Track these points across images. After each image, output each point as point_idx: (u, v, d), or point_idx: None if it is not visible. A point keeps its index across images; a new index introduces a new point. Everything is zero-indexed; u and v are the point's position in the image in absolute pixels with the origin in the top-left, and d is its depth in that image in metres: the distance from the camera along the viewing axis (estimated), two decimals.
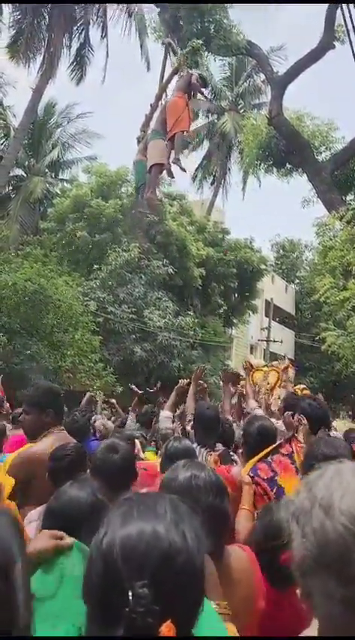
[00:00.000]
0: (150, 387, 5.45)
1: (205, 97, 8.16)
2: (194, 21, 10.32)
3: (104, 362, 15.00)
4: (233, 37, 10.23)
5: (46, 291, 13.18)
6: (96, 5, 19.12)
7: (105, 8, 19.43)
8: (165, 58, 7.66)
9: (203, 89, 7.74)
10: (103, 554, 0.76)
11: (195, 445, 3.15)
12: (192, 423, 3.68)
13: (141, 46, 20.28)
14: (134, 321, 16.89)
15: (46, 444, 2.54)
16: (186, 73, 7.44)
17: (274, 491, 2.62)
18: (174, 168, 7.07)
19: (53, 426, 2.68)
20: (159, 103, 7.43)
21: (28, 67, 19.24)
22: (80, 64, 20.46)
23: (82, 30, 19.93)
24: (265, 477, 2.67)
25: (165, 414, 4.53)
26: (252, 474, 2.68)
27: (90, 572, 0.78)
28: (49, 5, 18.57)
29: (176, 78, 7.50)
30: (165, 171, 7.24)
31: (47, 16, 18.90)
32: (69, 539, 1.39)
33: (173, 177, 7.21)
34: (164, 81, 7.83)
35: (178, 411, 4.98)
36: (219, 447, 3.50)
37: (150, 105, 7.47)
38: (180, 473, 1.58)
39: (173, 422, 4.47)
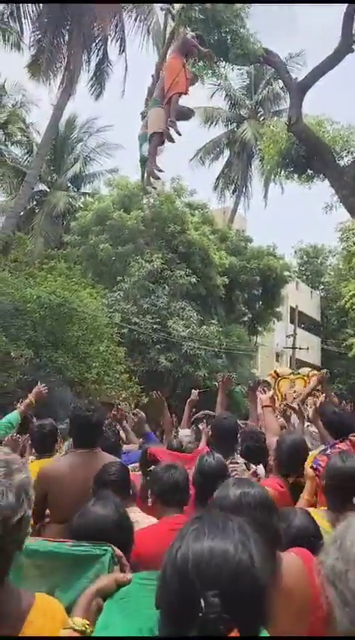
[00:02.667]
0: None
1: (205, 54, 7.69)
2: (210, 32, 10.34)
3: (129, 373, 15.05)
4: (250, 46, 10.19)
5: (70, 304, 13.33)
6: (114, 21, 19.40)
7: (123, 24, 19.71)
8: (165, 27, 7.37)
9: (200, 47, 7.26)
10: (178, 567, 0.85)
11: None
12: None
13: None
14: (158, 332, 16.92)
15: (61, 464, 2.65)
16: (182, 34, 7.22)
17: None
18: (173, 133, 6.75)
19: (76, 449, 2.81)
20: (160, 73, 7.09)
21: (49, 84, 19.62)
22: (99, 79, 20.77)
23: (101, 46, 20.25)
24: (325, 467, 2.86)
25: (184, 432, 4.47)
26: (314, 466, 2.90)
27: (164, 582, 0.87)
28: (69, 24, 18.94)
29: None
30: (165, 139, 6.90)
31: (66, 35, 19.26)
32: (129, 575, 1.46)
33: (173, 141, 6.86)
34: (163, 48, 7.53)
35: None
36: (237, 457, 3.44)
37: (152, 76, 7.21)
38: (230, 491, 1.64)
39: (194, 436, 4.41)
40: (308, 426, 4.38)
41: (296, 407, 4.45)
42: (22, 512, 1.16)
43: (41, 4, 18.45)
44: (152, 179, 7.08)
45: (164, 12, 7.06)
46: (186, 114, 7.14)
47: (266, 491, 1.73)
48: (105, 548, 1.60)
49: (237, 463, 3.26)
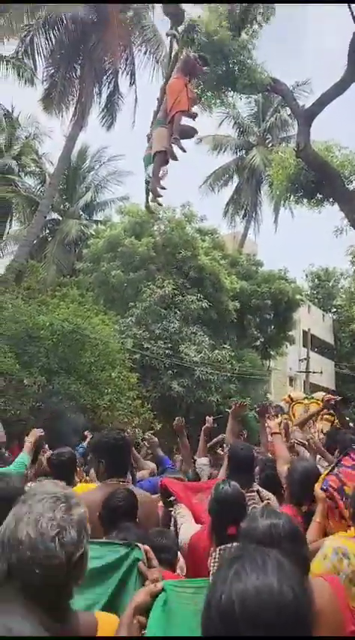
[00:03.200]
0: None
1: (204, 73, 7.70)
2: (218, 63, 10.60)
3: (142, 399, 14.99)
4: (257, 76, 10.42)
5: (82, 331, 13.39)
6: (125, 55, 19.97)
7: (133, 57, 20.28)
8: (171, 50, 7.48)
9: (201, 67, 7.31)
10: (223, 609, 0.86)
11: None
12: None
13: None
14: (170, 357, 16.90)
15: (89, 496, 2.54)
16: (184, 54, 7.29)
17: (343, 500, 2.82)
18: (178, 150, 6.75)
19: (110, 477, 2.65)
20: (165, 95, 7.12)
21: (62, 116, 20.16)
22: (110, 110, 21.33)
23: (112, 79, 20.83)
24: (335, 487, 2.88)
25: (201, 461, 4.41)
26: (324, 487, 2.89)
27: (208, 624, 0.88)
28: (80, 59, 19.53)
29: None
30: (169, 157, 6.91)
31: (78, 69, 19.86)
32: (160, 584, 1.51)
33: (176, 159, 6.86)
34: (168, 70, 7.61)
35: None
36: (256, 487, 3.39)
37: (157, 99, 7.31)
38: (259, 522, 1.66)
39: (211, 465, 4.35)
40: (319, 459, 4.31)
41: (306, 442, 4.38)
42: (82, 548, 1.18)
43: (53, 41, 19.06)
44: (156, 198, 7.12)
45: (169, 37, 7.18)
46: (188, 132, 7.22)
47: (294, 522, 1.75)
48: (129, 548, 1.70)
49: (255, 492, 3.21)
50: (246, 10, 10.73)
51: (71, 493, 1.22)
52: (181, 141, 6.82)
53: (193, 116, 7.08)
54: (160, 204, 7.23)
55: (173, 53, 7.28)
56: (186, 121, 6.93)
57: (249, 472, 3.33)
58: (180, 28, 8.19)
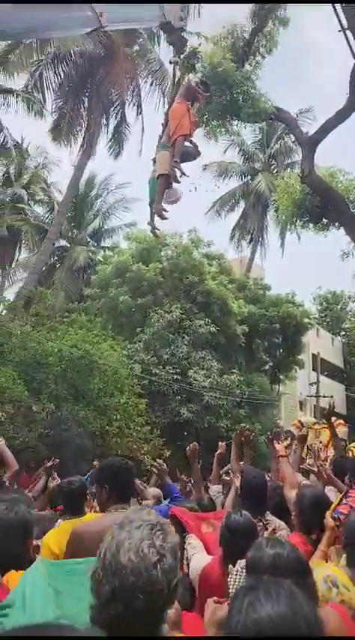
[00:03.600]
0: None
1: (205, 98, 7.81)
2: (223, 93, 10.85)
3: (151, 425, 14.90)
4: (261, 105, 10.65)
5: (91, 357, 13.41)
6: (131, 87, 20.48)
7: (139, 89, 20.79)
8: (174, 76, 7.66)
9: (204, 92, 7.46)
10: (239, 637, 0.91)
11: None
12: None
13: None
14: (179, 382, 16.84)
15: (96, 524, 2.51)
16: (187, 80, 7.46)
17: None
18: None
19: (115, 503, 2.59)
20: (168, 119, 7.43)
21: (70, 146, 20.61)
22: (117, 140, 21.79)
23: (119, 110, 21.33)
24: (347, 515, 2.89)
25: (214, 488, 4.34)
26: (335, 516, 2.90)
27: None
28: (88, 91, 20.06)
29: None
30: (172, 181, 7.03)
31: (86, 101, 20.38)
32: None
33: (178, 182, 6.96)
34: (171, 96, 7.77)
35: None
36: (269, 516, 3.35)
37: (162, 124, 7.47)
38: (264, 552, 1.70)
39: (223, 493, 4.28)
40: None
41: (316, 469, 4.32)
42: (178, 575, 1.22)
43: (62, 75, 19.61)
44: (159, 219, 7.22)
45: (172, 64, 7.41)
46: (192, 154, 7.35)
47: (298, 551, 1.78)
48: None
49: (268, 522, 3.17)
50: (248, 43, 11.02)
51: (164, 520, 1.27)
52: (186, 162, 6.97)
53: (195, 146, 7.23)
54: (157, 229, 7.29)
55: (176, 79, 7.50)
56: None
57: (261, 500, 3.29)
58: (183, 55, 8.41)
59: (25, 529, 2.14)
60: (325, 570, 2.20)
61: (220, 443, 5.06)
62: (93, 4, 4.36)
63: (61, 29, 5.00)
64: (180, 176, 6.85)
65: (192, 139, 7.08)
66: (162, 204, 6.94)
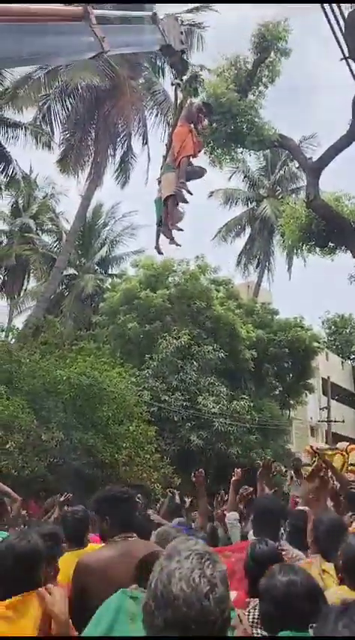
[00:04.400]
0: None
1: (209, 122, 7.87)
2: (227, 122, 11.05)
3: (160, 452, 14.73)
4: (265, 133, 10.84)
5: (100, 384, 13.37)
6: (137, 118, 20.92)
7: (145, 120, 21.23)
8: (176, 99, 7.80)
9: (205, 115, 7.53)
10: None
11: None
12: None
13: None
14: (188, 409, 16.71)
15: (102, 554, 2.49)
16: (189, 103, 7.58)
17: None
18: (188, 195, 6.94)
19: (118, 533, 2.58)
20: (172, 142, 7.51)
21: (77, 177, 20.97)
22: (124, 169, 22.16)
23: (125, 141, 21.76)
24: None
25: (232, 516, 4.24)
26: None
27: None
28: (95, 123, 20.52)
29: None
30: (178, 201, 7.07)
31: (93, 133, 20.82)
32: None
33: (186, 202, 7.02)
34: (174, 118, 7.85)
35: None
36: (284, 544, 3.26)
37: (166, 145, 7.55)
38: (278, 580, 1.70)
39: (241, 521, 4.17)
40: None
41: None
42: (230, 604, 1.23)
43: (69, 108, 20.09)
44: (168, 242, 7.27)
45: (174, 87, 7.57)
46: (197, 173, 7.44)
47: (313, 578, 1.81)
48: None
49: (285, 551, 3.10)
50: (251, 73, 11.28)
51: (211, 549, 1.25)
52: (192, 181, 7.06)
53: (200, 168, 7.32)
54: (179, 245, 7.33)
55: (178, 102, 7.65)
56: (195, 161, 7.20)
57: (276, 528, 3.23)
58: (185, 78, 8.57)
59: (36, 557, 2.16)
60: (340, 594, 2.17)
61: (236, 469, 4.96)
62: (95, 28, 4.41)
63: (65, 55, 5.08)
64: (187, 195, 6.92)
65: (194, 162, 7.17)
66: (173, 224, 7.01)
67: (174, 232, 7.18)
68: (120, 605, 1.72)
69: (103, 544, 2.76)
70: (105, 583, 2.36)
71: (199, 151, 7.32)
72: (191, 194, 6.99)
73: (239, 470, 4.97)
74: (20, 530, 3.59)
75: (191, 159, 7.01)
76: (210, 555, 1.19)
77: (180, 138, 6.89)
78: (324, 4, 4.89)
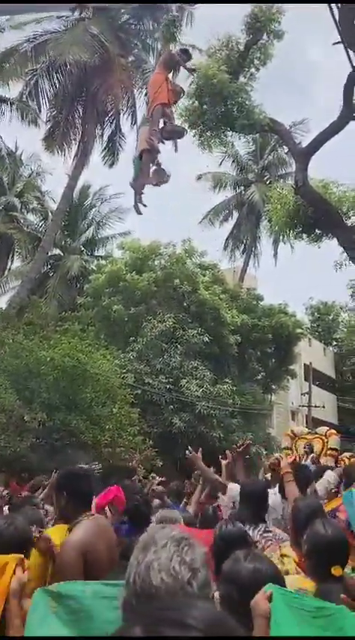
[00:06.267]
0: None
1: (188, 69, 7.57)
2: (217, 104, 10.90)
3: (143, 435, 14.82)
4: (255, 117, 10.70)
5: (84, 366, 13.35)
6: (126, 97, 20.58)
7: (134, 100, 20.90)
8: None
9: (183, 61, 7.19)
10: None
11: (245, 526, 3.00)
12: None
13: None
14: (172, 392, 16.79)
15: (91, 529, 2.46)
16: (167, 50, 7.34)
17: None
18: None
19: (74, 510, 2.56)
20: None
21: (64, 155, 20.63)
22: (112, 149, 21.87)
23: (113, 120, 21.42)
24: (344, 519, 3.01)
25: (233, 487, 4.17)
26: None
27: None
28: (83, 101, 20.12)
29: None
30: (154, 154, 6.81)
31: (81, 110, 20.44)
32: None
33: (159, 152, 6.78)
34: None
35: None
36: (271, 527, 3.30)
37: (146, 102, 7.28)
38: (242, 565, 1.67)
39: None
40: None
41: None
42: (213, 586, 1.25)
43: (57, 85, 19.67)
44: (134, 203, 7.04)
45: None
46: (178, 132, 7.20)
47: (277, 568, 1.79)
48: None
49: (271, 533, 3.13)
50: (243, 55, 11.10)
51: (187, 534, 1.20)
52: (176, 140, 6.82)
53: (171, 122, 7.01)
54: (145, 205, 7.05)
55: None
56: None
57: (261, 510, 3.26)
58: (162, 25, 8.12)
59: (24, 542, 2.17)
60: (296, 583, 2.20)
61: (227, 452, 4.97)
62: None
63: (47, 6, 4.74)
64: (158, 143, 6.67)
65: (169, 112, 6.89)
66: (153, 182, 6.79)
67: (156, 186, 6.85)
68: (45, 611, 1.59)
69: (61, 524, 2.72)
70: (98, 564, 2.35)
71: (176, 100, 7.01)
72: (163, 143, 6.74)
73: (230, 453, 4.98)
74: (6, 515, 3.58)
75: (166, 107, 6.71)
76: (187, 540, 1.15)
77: (154, 85, 6.64)
78: None
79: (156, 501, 4.56)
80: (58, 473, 2.89)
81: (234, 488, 3.94)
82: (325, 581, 2.16)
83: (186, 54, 7.13)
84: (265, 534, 3.02)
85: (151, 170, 6.71)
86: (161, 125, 6.60)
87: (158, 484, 5.39)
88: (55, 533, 3.00)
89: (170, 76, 6.75)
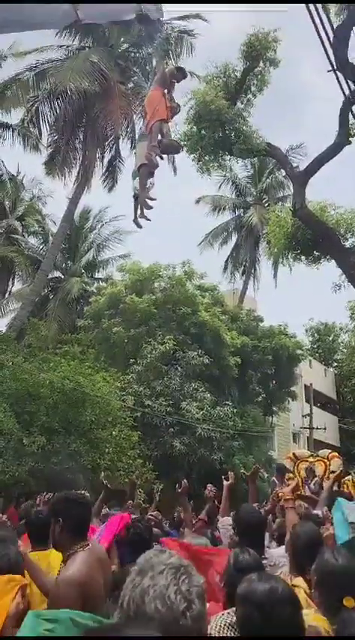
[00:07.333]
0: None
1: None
2: (215, 130, 11.11)
3: (143, 458, 14.68)
4: (253, 142, 10.91)
5: (83, 388, 13.30)
6: (125, 122, 20.93)
7: (133, 125, 21.24)
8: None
9: (178, 79, 7.25)
10: None
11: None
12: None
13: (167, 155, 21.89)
14: (172, 414, 16.68)
15: (84, 563, 2.34)
16: (162, 67, 7.38)
17: None
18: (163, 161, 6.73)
19: (71, 539, 2.45)
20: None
21: (64, 179, 20.89)
22: (112, 173, 22.15)
23: (113, 145, 21.76)
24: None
25: (225, 520, 4.20)
26: None
27: None
28: (83, 126, 20.47)
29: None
30: (151, 169, 6.85)
31: (81, 136, 20.77)
32: None
33: (157, 166, 6.79)
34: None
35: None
36: (271, 552, 3.26)
37: (143, 117, 7.33)
38: (257, 586, 1.65)
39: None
40: None
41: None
42: (206, 620, 1.19)
43: (58, 111, 20.03)
44: (143, 213, 7.07)
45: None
46: (174, 146, 7.26)
47: (291, 589, 1.75)
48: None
49: (267, 558, 3.09)
50: (240, 82, 11.35)
51: (187, 562, 1.16)
52: (172, 156, 6.88)
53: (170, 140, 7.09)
54: (149, 220, 7.08)
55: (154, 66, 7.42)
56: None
57: (259, 537, 3.21)
58: (156, 42, 8.28)
59: (15, 573, 2.08)
60: (308, 619, 2.12)
61: (230, 472, 4.95)
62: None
63: (39, 24, 4.85)
64: (156, 157, 6.70)
65: (166, 129, 6.96)
66: (148, 194, 6.83)
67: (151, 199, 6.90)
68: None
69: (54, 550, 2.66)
70: (95, 601, 2.26)
71: (172, 116, 7.08)
72: (162, 158, 6.79)
73: (231, 473, 4.96)
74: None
75: (163, 123, 6.77)
76: (185, 569, 1.11)
77: (152, 102, 6.67)
78: (314, 19, 4.96)
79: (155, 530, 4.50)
80: (54, 497, 2.79)
81: (224, 521, 4.00)
82: (337, 613, 2.07)
83: (181, 72, 7.24)
84: (263, 561, 2.98)
85: (164, 140, 6.78)
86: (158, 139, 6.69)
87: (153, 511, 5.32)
88: (41, 559, 2.92)
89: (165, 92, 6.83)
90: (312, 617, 2.16)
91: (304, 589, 2.55)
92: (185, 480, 4.74)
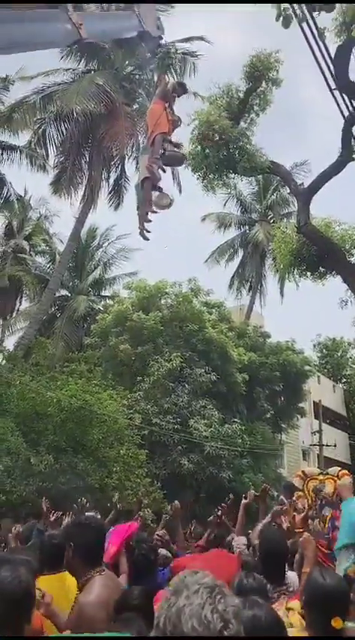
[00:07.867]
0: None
1: (175, 144, 7.56)
2: (219, 149, 11.23)
3: (151, 476, 14.57)
4: (257, 160, 11.00)
5: (90, 407, 13.28)
6: (131, 142, 21.23)
7: (138, 144, 21.53)
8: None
9: (179, 94, 7.28)
10: None
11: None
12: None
13: (172, 172, 22.12)
14: (179, 432, 16.59)
15: (104, 588, 2.34)
16: (163, 81, 7.44)
17: None
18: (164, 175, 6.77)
19: (84, 565, 2.43)
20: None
21: (70, 199, 21.16)
22: (117, 192, 22.41)
23: (119, 164, 22.05)
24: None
25: (239, 540, 4.14)
26: None
27: None
28: (89, 147, 20.79)
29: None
30: (154, 182, 6.87)
31: (87, 156, 21.08)
32: None
33: (160, 179, 6.79)
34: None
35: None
36: (290, 579, 3.17)
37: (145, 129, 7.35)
38: (241, 613, 1.60)
39: (249, 547, 4.06)
40: None
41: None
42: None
43: (64, 132, 20.39)
44: (143, 225, 7.08)
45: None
46: (178, 158, 7.29)
47: (278, 616, 1.80)
48: None
49: (285, 586, 3.02)
50: (243, 102, 11.50)
51: (221, 582, 1.15)
52: (177, 175, 6.94)
53: (177, 147, 7.14)
54: (149, 232, 7.09)
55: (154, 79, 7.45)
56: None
57: (280, 567, 3.11)
58: (157, 57, 8.40)
59: (26, 597, 1.98)
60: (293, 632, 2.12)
61: (250, 492, 4.91)
62: (71, 15, 4.32)
63: (42, 43, 4.89)
64: (159, 169, 6.71)
65: (172, 140, 7.00)
66: (154, 208, 6.86)
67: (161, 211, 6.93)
68: None
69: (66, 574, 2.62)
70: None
71: (174, 129, 7.13)
72: (164, 171, 6.84)
73: (251, 492, 4.91)
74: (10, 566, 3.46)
75: (165, 136, 6.82)
76: (220, 588, 1.11)
77: (154, 116, 6.72)
78: (311, 44, 5.04)
79: (162, 551, 4.44)
80: (70, 521, 2.77)
81: (240, 540, 3.94)
82: (326, 633, 2.06)
83: (182, 86, 7.32)
84: (280, 588, 2.93)
85: (154, 196, 6.82)
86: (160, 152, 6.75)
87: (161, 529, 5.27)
88: (47, 583, 2.89)
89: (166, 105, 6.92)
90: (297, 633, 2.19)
91: (298, 610, 2.53)
92: (176, 502, 4.69)
